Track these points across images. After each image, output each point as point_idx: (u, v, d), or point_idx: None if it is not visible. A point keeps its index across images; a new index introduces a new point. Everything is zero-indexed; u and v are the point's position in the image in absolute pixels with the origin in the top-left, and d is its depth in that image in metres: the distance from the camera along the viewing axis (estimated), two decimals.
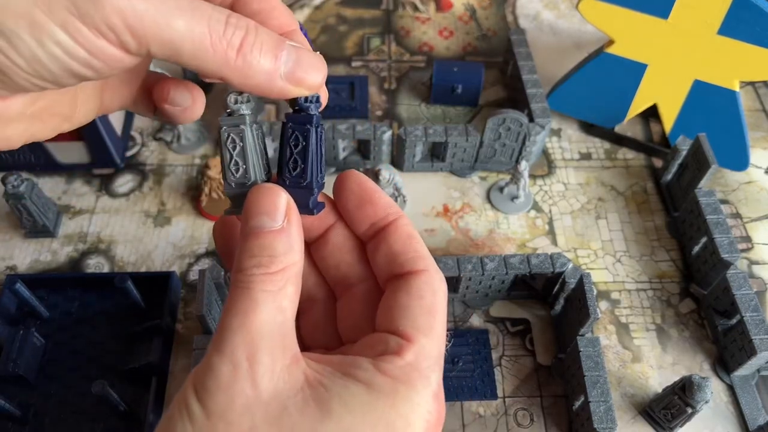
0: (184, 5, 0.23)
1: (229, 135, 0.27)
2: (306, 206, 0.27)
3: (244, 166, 0.27)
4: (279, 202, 0.26)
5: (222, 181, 0.65)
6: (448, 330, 0.28)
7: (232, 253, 0.29)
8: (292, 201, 0.26)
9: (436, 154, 0.71)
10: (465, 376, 0.57)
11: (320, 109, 0.28)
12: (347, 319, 0.30)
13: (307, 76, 0.26)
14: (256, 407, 0.23)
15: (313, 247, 0.30)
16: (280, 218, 0.25)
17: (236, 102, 0.27)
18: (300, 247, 0.26)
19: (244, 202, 0.27)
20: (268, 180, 0.28)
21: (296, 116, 0.27)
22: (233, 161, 0.27)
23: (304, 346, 0.28)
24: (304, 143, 0.27)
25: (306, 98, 0.27)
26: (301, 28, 0.30)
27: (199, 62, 0.24)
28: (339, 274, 0.30)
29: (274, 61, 0.25)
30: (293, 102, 0.27)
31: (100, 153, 0.68)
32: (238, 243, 0.26)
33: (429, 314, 0.26)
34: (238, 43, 0.24)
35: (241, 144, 0.27)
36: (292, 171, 0.27)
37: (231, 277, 0.25)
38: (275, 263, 0.25)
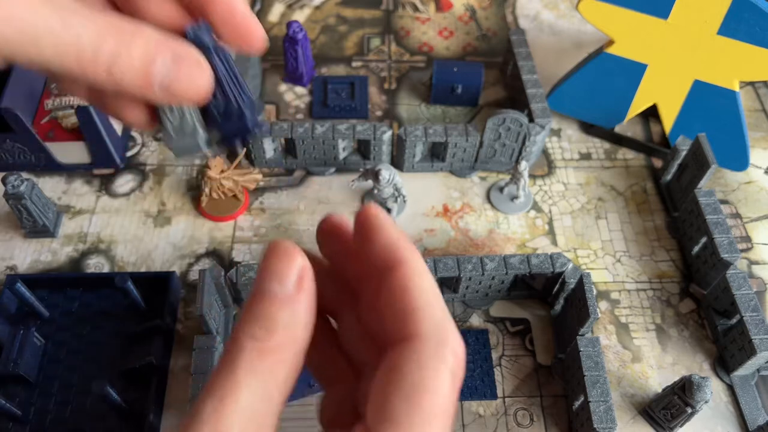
0: (54, 25, 0.21)
1: None
2: (247, 130, 0.26)
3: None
4: (292, 265, 0.22)
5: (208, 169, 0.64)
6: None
7: (340, 255, 0.26)
8: (309, 268, 0.23)
9: (436, 154, 0.71)
10: (465, 376, 0.57)
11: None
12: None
13: (183, 88, 0.24)
14: None
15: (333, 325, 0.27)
16: (290, 284, 0.22)
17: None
18: (306, 324, 0.23)
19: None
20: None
21: None
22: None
23: (325, 425, 0.26)
24: (213, 74, 0.25)
25: (193, 31, 0.25)
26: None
27: (74, 77, 0.23)
28: (362, 351, 0.26)
29: (146, 77, 0.24)
30: (185, 38, 0.25)
31: (100, 153, 0.68)
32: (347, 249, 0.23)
33: (405, 400, 0.21)
34: (107, 60, 0.23)
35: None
36: (218, 108, 0.26)
37: (231, 333, 0.23)
38: (273, 337, 0.22)
